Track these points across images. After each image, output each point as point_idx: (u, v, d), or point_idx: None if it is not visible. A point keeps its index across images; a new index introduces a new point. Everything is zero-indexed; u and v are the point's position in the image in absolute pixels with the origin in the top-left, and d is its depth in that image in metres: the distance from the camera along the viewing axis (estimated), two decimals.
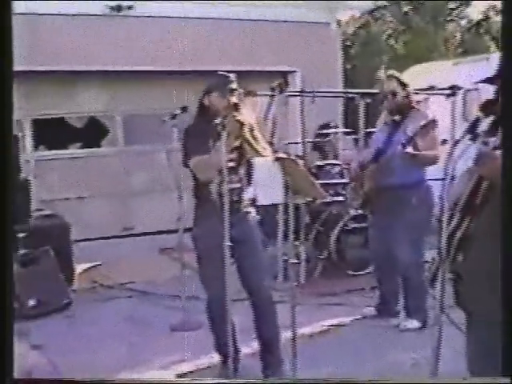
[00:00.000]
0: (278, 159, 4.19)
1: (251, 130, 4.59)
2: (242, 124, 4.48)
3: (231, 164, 4.60)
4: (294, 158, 4.61)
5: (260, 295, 4.85)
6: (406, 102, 5.90)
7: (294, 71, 11.43)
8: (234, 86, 4.57)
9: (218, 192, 4.41)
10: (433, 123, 5.56)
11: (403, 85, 5.92)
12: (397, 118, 5.97)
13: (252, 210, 4.80)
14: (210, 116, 4.58)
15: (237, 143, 4.62)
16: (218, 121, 4.37)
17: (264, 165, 4.21)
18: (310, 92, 7.64)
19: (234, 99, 4.45)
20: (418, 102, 6.27)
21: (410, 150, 5.52)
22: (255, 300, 4.87)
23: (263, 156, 4.46)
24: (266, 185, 4.18)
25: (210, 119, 4.51)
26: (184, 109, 6.06)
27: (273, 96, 7.46)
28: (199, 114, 4.78)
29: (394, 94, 5.93)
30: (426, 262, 6.08)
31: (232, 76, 4.64)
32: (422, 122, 5.45)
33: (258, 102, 6.74)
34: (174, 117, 6.09)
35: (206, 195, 4.61)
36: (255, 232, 4.86)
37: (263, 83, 7.16)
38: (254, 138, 4.60)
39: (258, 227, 4.89)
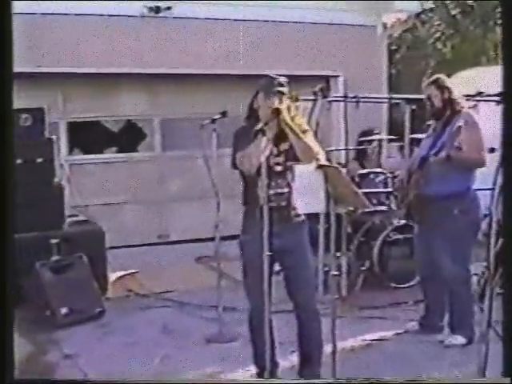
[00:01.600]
0: (319, 167, 4.18)
1: (302, 132, 4.58)
2: (288, 126, 4.48)
3: (279, 168, 4.62)
4: (336, 165, 4.59)
5: (307, 308, 4.85)
6: (445, 106, 5.85)
7: (337, 76, 11.40)
8: (281, 88, 4.59)
9: (265, 197, 4.38)
10: (474, 125, 5.53)
11: (443, 89, 5.87)
12: (433, 123, 5.98)
13: (303, 217, 4.77)
14: (258, 119, 4.60)
15: (285, 146, 4.64)
16: (258, 126, 4.41)
17: (305, 172, 4.19)
18: (353, 97, 7.62)
19: (278, 103, 4.47)
20: (469, 107, 6.21)
21: (442, 154, 5.51)
22: (301, 313, 4.87)
23: (318, 159, 4.45)
24: (307, 193, 4.17)
25: (257, 122, 4.54)
26: (223, 113, 6.06)
27: (315, 101, 7.45)
28: (248, 117, 4.80)
29: (430, 99, 5.92)
30: (475, 275, 6.03)
31: (281, 79, 4.65)
32: (458, 123, 5.41)
33: (301, 107, 6.74)
34: (213, 121, 6.09)
35: (254, 201, 4.61)
36: (305, 242, 4.84)
37: (305, 88, 7.14)
38: (309, 140, 4.60)
39: (308, 237, 4.87)
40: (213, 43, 10.50)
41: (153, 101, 10.85)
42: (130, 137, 11.13)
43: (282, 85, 4.63)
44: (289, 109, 4.57)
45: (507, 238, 2.71)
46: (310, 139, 4.60)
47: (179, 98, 10.83)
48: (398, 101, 8.39)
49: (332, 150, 8.18)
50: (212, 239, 6.50)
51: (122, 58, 10.03)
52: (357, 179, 7.84)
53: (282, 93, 4.59)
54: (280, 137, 4.58)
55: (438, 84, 5.91)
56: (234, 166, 4.68)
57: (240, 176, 4.75)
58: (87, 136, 10.63)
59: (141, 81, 10.55)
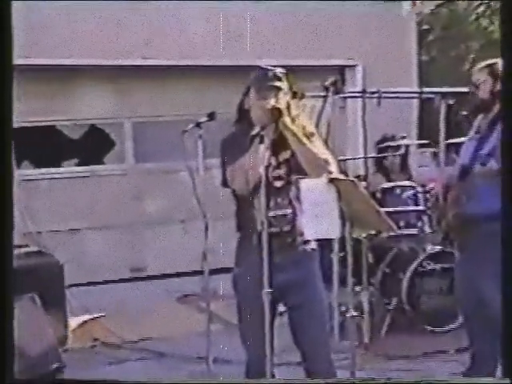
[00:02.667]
0: (331, 181, 4.17)
1: (307, 136, 4.54)
2: (288, 129, 4.46)
3: (279, 183, 4.59)
4: (352, 178, 4.58)
5: (318, 358, 4.80)
6: (494, 98, 5.82)
7: (354, 65, 11.44)
8: (277, 83, 4.56)
9: (265, 221, 4.35)
10: None
11: (497, 77, 5.83)
12: (477, 121, 5.95)
13: (313, 245, 4.71)
14: (251, 122, 4.59)
15: (286, 155, 4.61)
16: (254, 131, 4.39)
17: (314, 188, 4.19)
18: (374, 92, 7.63)
19: (274, 101, 4.44)
20: None
21: (493, 164, 5.49)
22: (311, 365, 4.82)
23: (329, 170, 4.42)
24: (317, 214, 4.16)
25: (250, 126, 4.52)
26: (211, 115, 6.06)
27: (326, 97, 7.47)
28: (238, 121, 4.77)
29: (477, 87, 5.87)
30: None
31: (277, 70, 4.62)
32: None
33: (307, 106, 6.76)
34: (198, 125, 6.10)
35: (251, 225, 4.58)
36: (316, 275, 4.80)
37: (313, 81, 7.17)
38: (315, 146, 4.56)
39: (319, 269, 4.84)
40: (199, 28, 10.53)
41: (123, 100, 10.88)
42: (94, 145, 11.16)
43: (278, 78, 4.58)
44: (288, 107, 4.52)
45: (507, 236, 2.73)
46: (317, 145, 4.55)
47: (156, 97, 10.87)
48: (431, 95, 8.40)
49: (347, 159, 8.19)
50: (199, 273, 6.49)
51: (83, 46, 10.05)
52: (379, 195, 7.84)
53: (279, 88, 4.56)
54: (279, 143, 4.52)
55: (492, 69, 5.85)
56: (225, 183, 4.66)
57: (232, 195, 4.73)
58: (40, 145, 10.64)
59: (108, 75, 10.58)
